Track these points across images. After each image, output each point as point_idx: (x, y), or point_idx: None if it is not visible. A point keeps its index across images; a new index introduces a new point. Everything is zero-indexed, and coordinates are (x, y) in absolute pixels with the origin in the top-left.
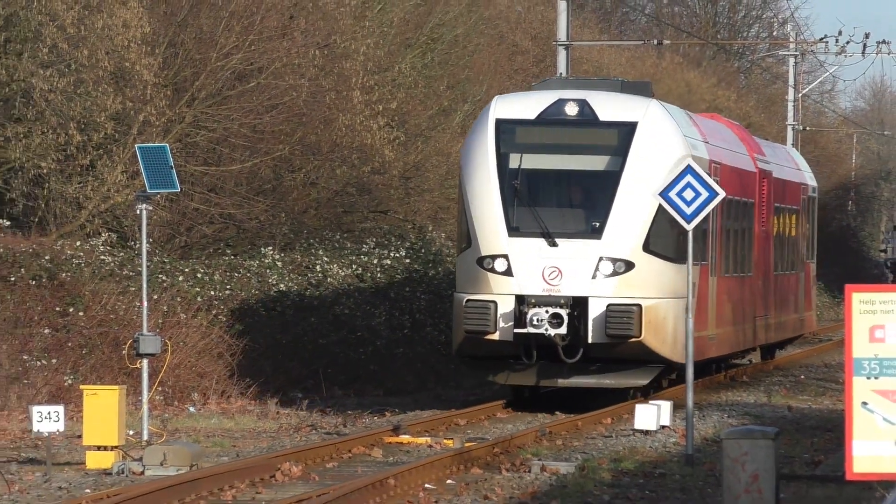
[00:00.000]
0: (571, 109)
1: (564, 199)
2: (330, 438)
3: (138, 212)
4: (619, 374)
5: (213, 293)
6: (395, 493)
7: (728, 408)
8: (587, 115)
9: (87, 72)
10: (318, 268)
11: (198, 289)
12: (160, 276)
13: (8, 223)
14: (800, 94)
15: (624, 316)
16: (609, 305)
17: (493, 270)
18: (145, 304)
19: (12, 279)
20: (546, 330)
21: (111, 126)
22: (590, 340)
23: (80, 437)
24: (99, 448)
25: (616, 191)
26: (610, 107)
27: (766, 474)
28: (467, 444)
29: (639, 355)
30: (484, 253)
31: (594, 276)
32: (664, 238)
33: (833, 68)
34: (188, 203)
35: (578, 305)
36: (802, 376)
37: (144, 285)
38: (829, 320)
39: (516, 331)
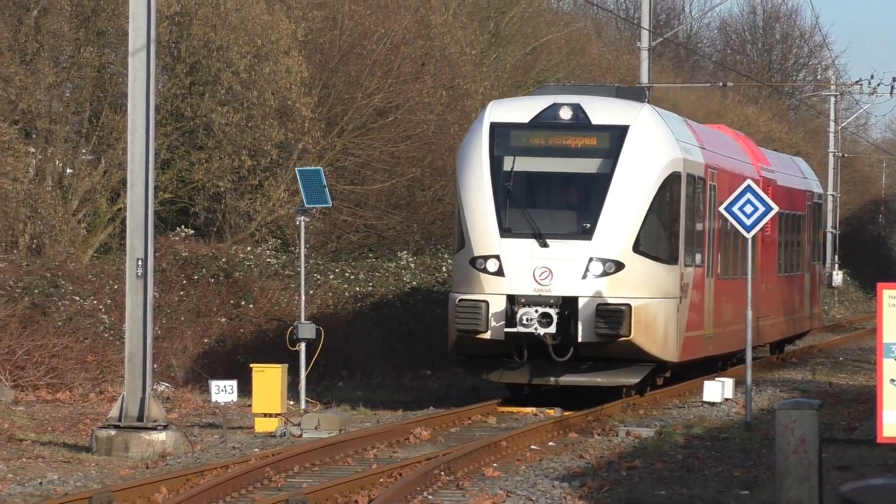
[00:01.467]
0: (565, 113)
1: (556, 200)
2: (453, 408)
3: (298, 223)
4: (610, 372)
5: (358, 289)
6: (507, 453)
7: (780, 384)
8: (580, 119)
9: (257, 109)
10: (443, 268)
11: (346, 285)
12: (315, 275)
13: (192, 232)
14: (839, 127)
15: (613, 315)
16: (599, 305)
17: (485, 271)
18: (303, 297)
19: (195, 278)
20: (536, 329)
21: (276, 153)
22: (580, 339)
23: (249, 406)
24: (265, 415)
25: (607, 193)
26: (602, 111)
27: (811, 438)
28: (566, 414)
29: (629, 354)
30: (476, 253)
31: (584, 277)
32: (654, 239)
33: (867, 105)
34: (338, 215)
35: (569, 305)
36: (841, 358)
37: (302, 282)
38: (863, 312)
39: (507, 330)
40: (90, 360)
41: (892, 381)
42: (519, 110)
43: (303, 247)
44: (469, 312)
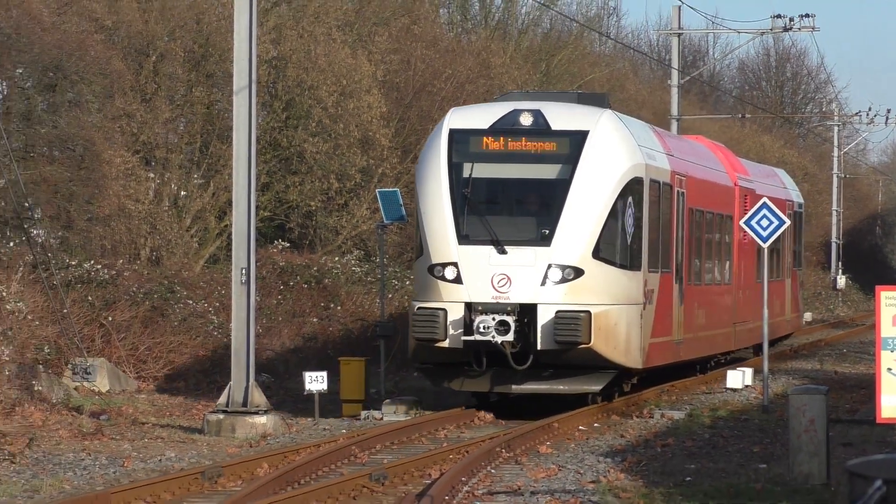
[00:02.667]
0: (525, 119)
1: (515, 207)
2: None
3: (377, 236)
4: (572, 379)
5: None
6: (558, 433)
7: (792, 372)
8: (540, 125)
9: (343, 139)
10: None
11: None
12: (393, 280)
13: (288, 245)
14: (842, 152)
15: (572, 322)
16: (558, 312)
17: (443, 278)
18: (383, 300)
19: (291, 284)
20: (493, 337)
21: (359, 177)
22: (539, 347)
23: (338, 393)
24: (351, 401)
25: (566, 199)
26: (563, 116)
27: (819, 419)
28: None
29: (590, 361)
30: (434, 261)
31: (543, 283)
32: (614, 245)
33: (865, 133)
34: (412, 230)
35: (528, 312)
36: (845, 350)
37: (382, 287)
38: (863, 310)
39: (464, 338)
40: (201, 355)
41: (889, 370)
42: (479, 116)
43: (382, 257)
44: (426, 321)
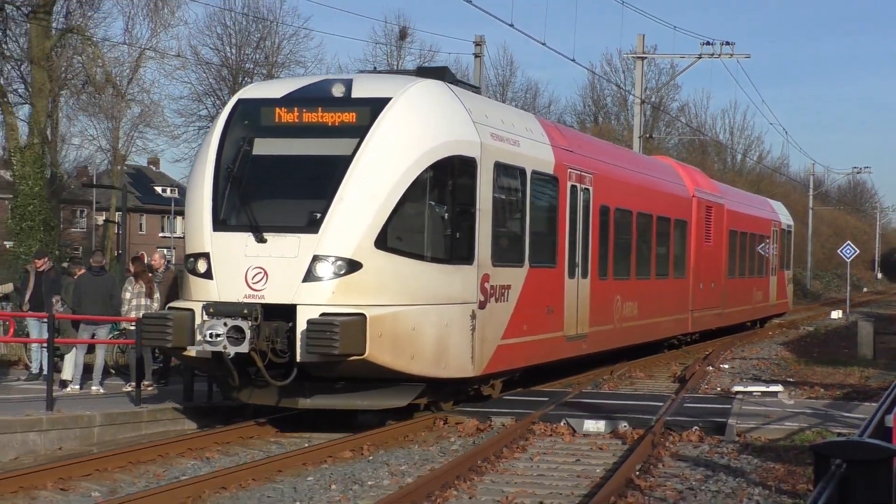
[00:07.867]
0: (336, 90)
1: (290, 188)
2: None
3: None
4: (373, 393)
5: None
6: (762, 335)
7: (859, 312)
8: (344, 95)
9: None
10: None
11: None
12: None
13: None
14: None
15: (326, 330)
16: (320, 315)
17: (194, 272)
18: None
19: None
20: (225, 347)
21: None
22: (299, 359)
23: None
24: None
25: (344, 176)
26: (370, 85)
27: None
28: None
29: (377, 375)
30: (188, 251)
31: (307, 279)
32: (408, 232)
33: (893, 213)
34: None
35: (287, 315)
36: (881, 304)
37: None
38: (892, 288)
39: (192, 347)
40: None
41: None
42: (279, 88)
43: None
44: (154, 325)
